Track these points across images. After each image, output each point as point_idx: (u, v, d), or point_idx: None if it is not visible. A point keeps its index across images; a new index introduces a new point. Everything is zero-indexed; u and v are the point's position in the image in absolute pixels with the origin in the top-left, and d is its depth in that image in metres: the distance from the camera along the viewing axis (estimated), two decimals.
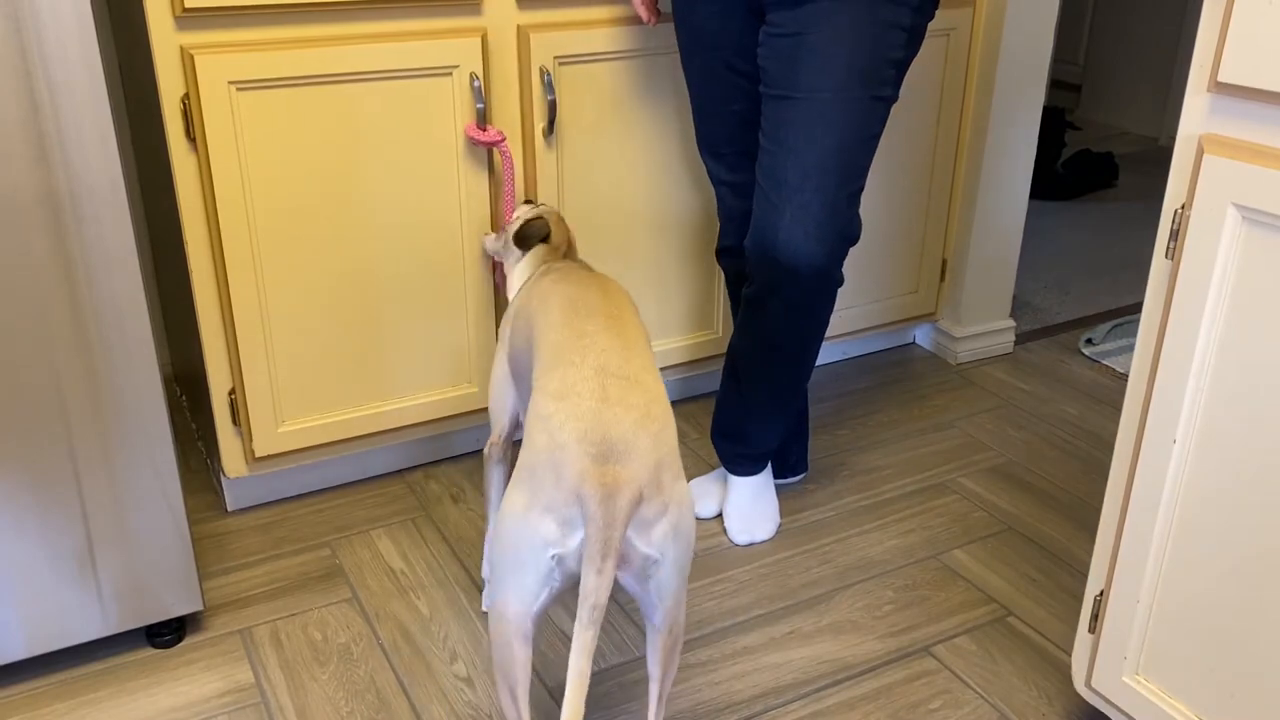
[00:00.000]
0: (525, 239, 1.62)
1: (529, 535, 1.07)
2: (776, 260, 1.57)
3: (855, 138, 1.53)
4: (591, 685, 1.54)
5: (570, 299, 1.29)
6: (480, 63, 1.76)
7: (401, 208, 1.79)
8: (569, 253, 1.66)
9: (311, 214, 1.73)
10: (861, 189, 1.57)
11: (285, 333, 1.77)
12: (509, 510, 1.10)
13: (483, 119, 1.78)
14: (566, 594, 1.13)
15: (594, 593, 1.02)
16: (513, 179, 1.80)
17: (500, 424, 1.52)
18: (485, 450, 1.55)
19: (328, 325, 1.80)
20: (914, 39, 1.54)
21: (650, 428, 1.09)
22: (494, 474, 1.55)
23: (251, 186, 1.67)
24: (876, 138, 1.56)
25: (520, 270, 1.62)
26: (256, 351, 1.76)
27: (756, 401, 1.77)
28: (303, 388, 1.82)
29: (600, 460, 1.05)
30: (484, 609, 1.15)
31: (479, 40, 1.75)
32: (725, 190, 1.79)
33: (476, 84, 1.76)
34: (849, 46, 1.48)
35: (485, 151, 1.83)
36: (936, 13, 1.58)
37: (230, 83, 1.59)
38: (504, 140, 1.79)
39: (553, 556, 1.07)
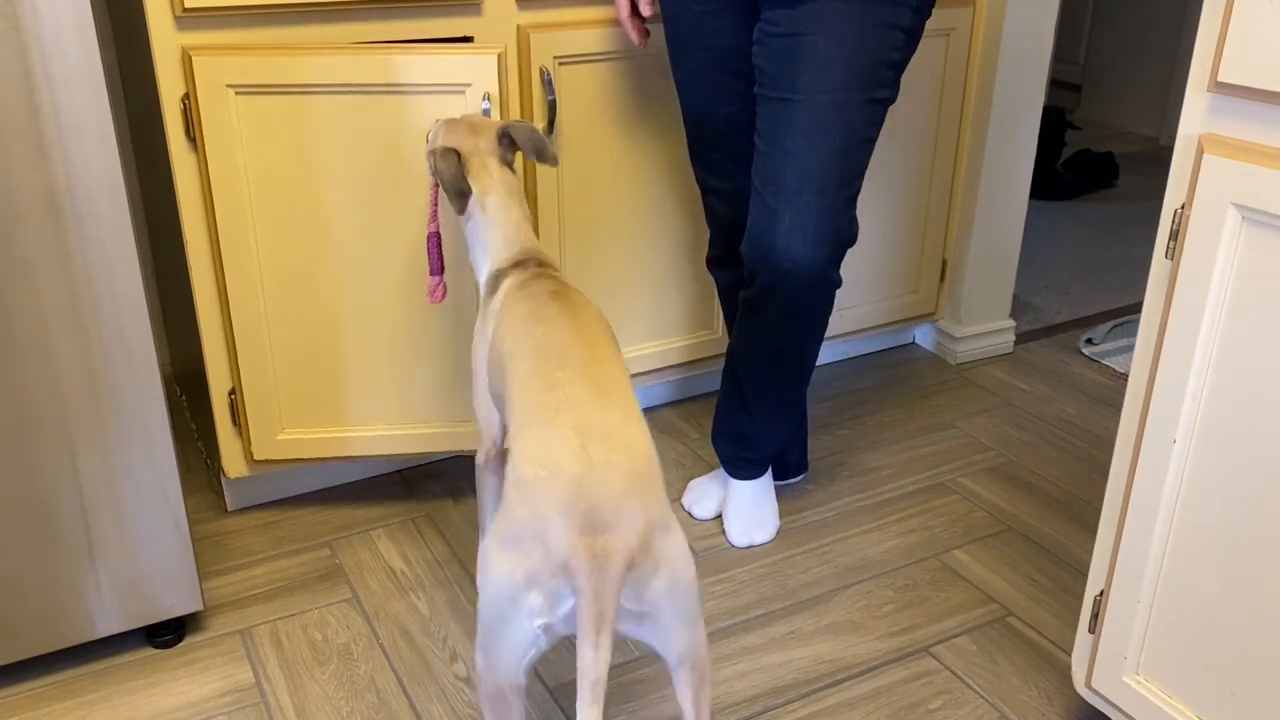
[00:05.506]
0: (453, 190, 1.45)
1: (515, 607, 1.04)
2: (775, 265, 1.56)
3: (854, 141, 1.52)
4: None
5: (539, 346, 1.21)
6: (495, 82, 1.65)
7: (402, 216, 1.79)
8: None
9: (312, 216, 1.73)
10: (858, 191, 1.57)
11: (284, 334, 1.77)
12: (494, 575, 1.05)
13: None
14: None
15: (593, 668, 0.97)
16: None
17: (490, 434, 1.48)
18: (477, 459, 1.52)
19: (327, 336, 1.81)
20: (912, 40, 1.54)
21: (638, 489, 1.03)
22: (488, 483, 1.52)
23: (251, 187, 1.67)
24: (874, 140, 1.55)
25: (485, 255, 1.48)
26: (256, 351, 1.76)
27: (759, 405, 1.77)
28: (301, 395, 1.82)
29: (588, 531, 0.99)
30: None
31: (494, 59, 1.64)
32: (714, 199, 1.78)
33: (485, 106, 1.65)
34: (849, 48, 1.46)
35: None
36: (934, 12, 1.57)
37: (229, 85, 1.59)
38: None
39: (540, 625, 1.04)
